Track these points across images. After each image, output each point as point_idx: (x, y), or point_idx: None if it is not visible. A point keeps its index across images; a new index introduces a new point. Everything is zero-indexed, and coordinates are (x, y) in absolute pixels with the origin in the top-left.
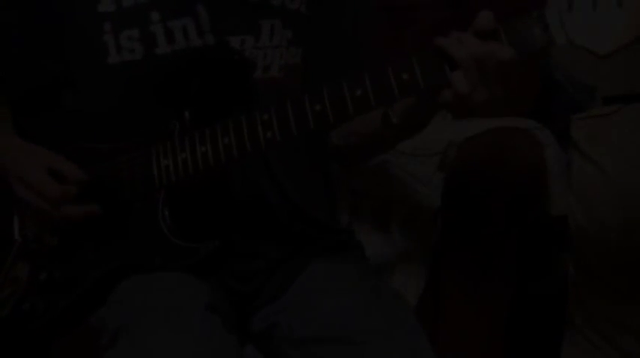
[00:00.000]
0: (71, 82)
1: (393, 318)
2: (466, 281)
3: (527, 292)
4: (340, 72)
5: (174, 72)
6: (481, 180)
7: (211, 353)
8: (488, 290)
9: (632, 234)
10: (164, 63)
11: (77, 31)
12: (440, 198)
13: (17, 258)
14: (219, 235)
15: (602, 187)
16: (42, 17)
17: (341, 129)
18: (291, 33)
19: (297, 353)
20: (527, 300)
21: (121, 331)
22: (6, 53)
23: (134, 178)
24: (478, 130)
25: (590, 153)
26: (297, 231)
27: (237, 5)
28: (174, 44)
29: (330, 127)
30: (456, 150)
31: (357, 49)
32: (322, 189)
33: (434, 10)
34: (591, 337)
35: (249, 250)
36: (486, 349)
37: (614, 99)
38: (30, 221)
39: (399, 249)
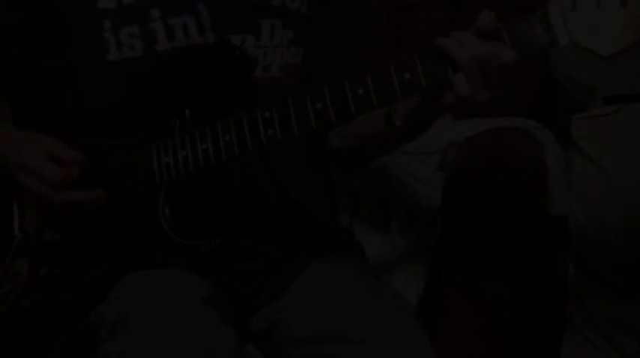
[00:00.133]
0: (72, 80)
1: (393, 318)
2: (466, 281)
3: (527, 292)
4: (341, 72)
5: (174, 69)
6: (481, 180)
7: (209, 346)
8: (489, 290)
9: (632, 234)
10: (164, 60)
11: (77, 28)
12: (440, 198)
13: (17, 253)
14: (220, 233)
15: (602, 187)
16: (42, 14)
17: (341, 130)
18: (292, 33)
19: (297, 352)
20: (527, 300)
21: (119, 324)
22: (7, 51)
23: (134, 175)
24: (478, 130)
25: (590, 153)
26: (297, 231)
27: (237, 4)
28: (175, 41)
29: (332, 126)
30: (456, 149)
31: (357, 49)
32: (322, 188)
33: (434, 11)
34: (591, 337)
35: (249, 250)
36: (486, 349)
37: (614, 99)
38: (30, 216)
39: (399, 248)
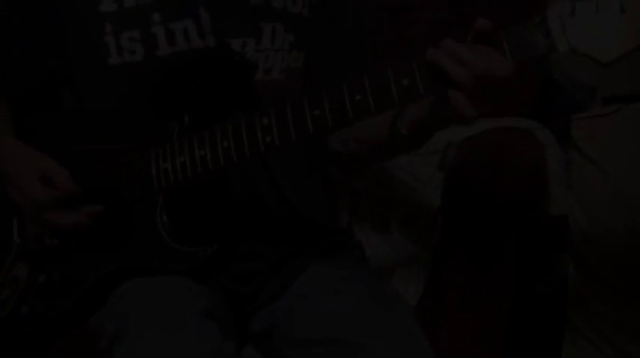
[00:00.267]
0: (72, 82)
1: (392, 319)
2: (466, 282)
3: (527, 292)
4: (343, 75)
5: (174, 73)
6: (481, 180)
7: None
8: (488, 291)
9: (632, 234)
10: (165, 64)
11: (79, 31)
12: (440, 198)
13: (17, 258)
14: (218, 239)
15: (602, 187)
16: (43, 16)
17: (341, 134)
18: (294, 37)
19: (297, 354)
20: (527, 300)
21: (118, 336)
22: (7, 52)
23: (133, 180)
24: (477, 130)
25: (590, 153)
26: (296, 233)
27: (238, 8)
28: (175, 46)
29: (330, 132)
30: (456, 149)
31: (359, 51)
32: (321, 190)
33: (435, 11)
34: (592, 338)
35: (248, 251)
36: (486, 349)
37: (614, 99)
38: (29, 222)
39: (399, 249)
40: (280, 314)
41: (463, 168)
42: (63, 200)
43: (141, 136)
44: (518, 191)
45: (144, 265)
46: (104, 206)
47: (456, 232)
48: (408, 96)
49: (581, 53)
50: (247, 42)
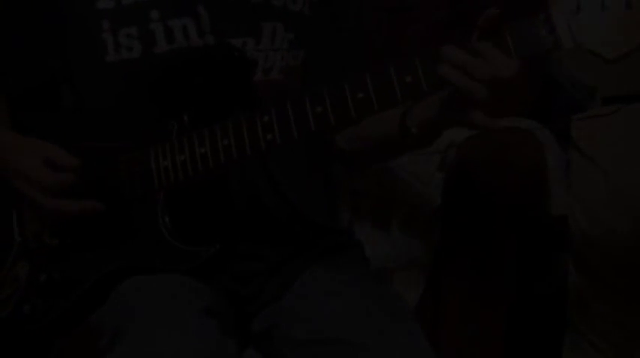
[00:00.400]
0: (71, 80)
1: (392, 319)
2: (466, 282)
3: (527, 292)
4: (343, 73)
5: (173, 70)
6: (481, 180)
7: None
8: (488, 291)
9: (632, 234)
10: (163, 61)
11: (76, 28)
12: (440, 198)
13: (17, 257)
14: (220, 238)
15: (602, 187)
16: (43, 15)
17: (347, 133)
18: (293, 35)
19: (297, 354)
20: (527, 301)
21: (118, 336)
22: (7, 52)
23: (133, 178)
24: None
25: (590, 153)
26: (296, 234)
27: (238, 7)
28: (174, 43)
29: (332, 130)
30: (456, 149)
31: (360, 50)
32: (321, 190)
33: (434, 10)
34: (592, 338)
35: (249, 252)
36: (486, 350)
37: (614, 99)
38: (30, 220)
39: (399, 248)
40: (281, 315)
41: (463, 167)
42: (69, 184)
43: (140, 134)
44: (518, 191)
45: (145, 264)
46: (105, 204)
47: (457, 232)
48: (411, 93)
49: (586, 49)
50: (247, 41)
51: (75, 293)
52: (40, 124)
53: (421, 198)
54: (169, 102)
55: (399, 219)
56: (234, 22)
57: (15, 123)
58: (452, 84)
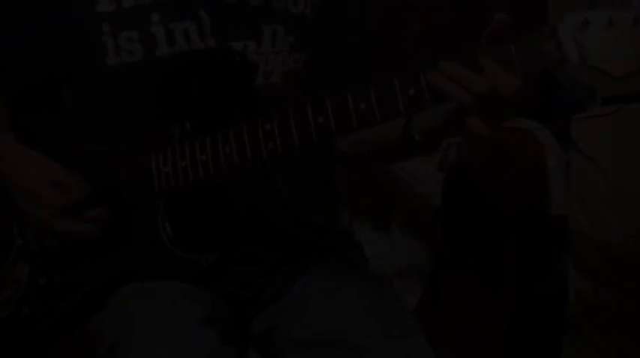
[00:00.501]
0: (71, 81)
1: (392, 320)
2: (466, 282)
3: (527, 292)
4: (345, 76)
5: (174, 74)
6: (481, 180)
7: None
8: (488, 291)
9: (632, 234)
10: (164, 65)
11: (76, 31)
12: (440, 198)
13: (18, 259)
14: (220, 246)
15: (602, 187)
16: (42, 16)
17: (349, 137)
18: (294, 38)
19: (297, 355)
20: (527, 301)
21: (118, 344)
22: (6, 52)
23: (134, 183)
24: None
25: (590, 153)
26: (296, 237)
27: (239, 10)
28: (175, 46)
29: (333, 139)
30: (456, 149)
31: (364, 51)
32: (321, 191)
33: (434, 10)
34: (592, 338)
35: (249, 255)
36: (486, 350)
37: (614, 99)
38: (29, 227)
39: (399, 249)
40: (280, 316)
41: (463, 167)
42: (75, 206)
43: (141, 138)
44: (518, 191)
45: (145, 271)
46: (106, 208)
47: (456, 232)
48: (414, 105)
49: (592, 66)
50: (248, 45)
51: (74, 296)
52: (40, 124)
53: (421, 198)
54: (171, 106)
55: (398, 220)
56: (235, 25)
57: (15, 124)
58: (449, 95)
